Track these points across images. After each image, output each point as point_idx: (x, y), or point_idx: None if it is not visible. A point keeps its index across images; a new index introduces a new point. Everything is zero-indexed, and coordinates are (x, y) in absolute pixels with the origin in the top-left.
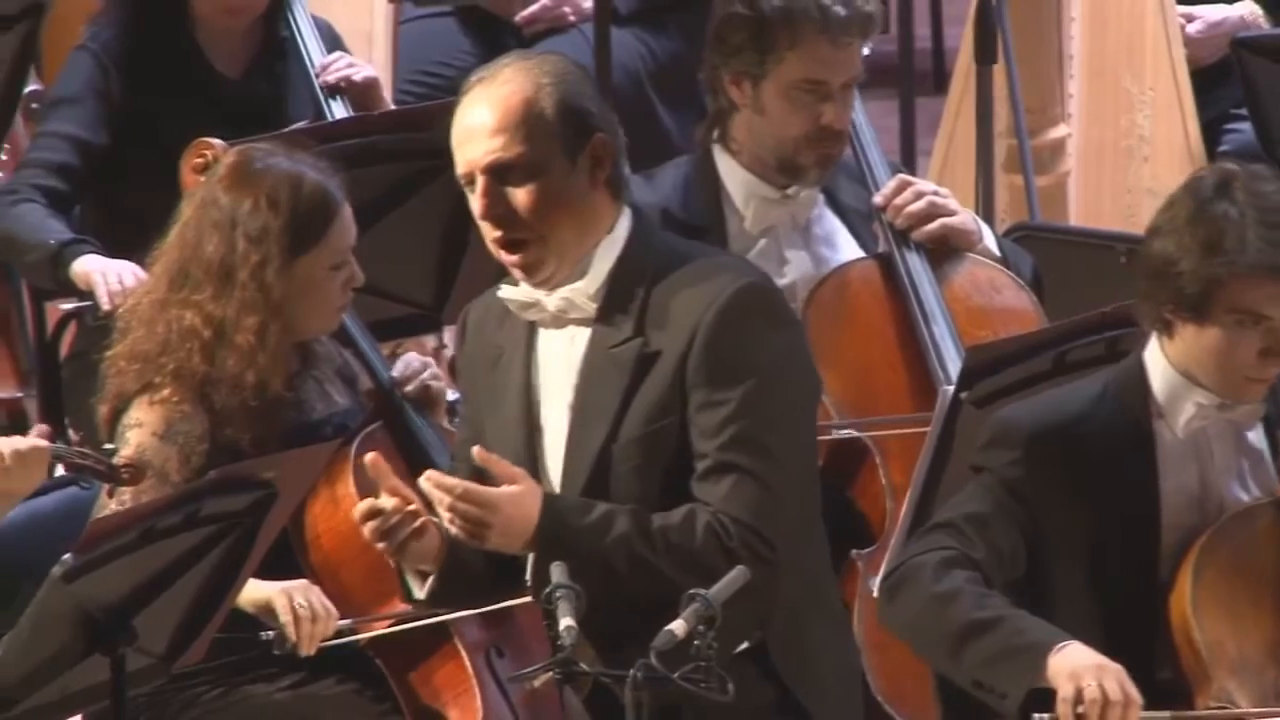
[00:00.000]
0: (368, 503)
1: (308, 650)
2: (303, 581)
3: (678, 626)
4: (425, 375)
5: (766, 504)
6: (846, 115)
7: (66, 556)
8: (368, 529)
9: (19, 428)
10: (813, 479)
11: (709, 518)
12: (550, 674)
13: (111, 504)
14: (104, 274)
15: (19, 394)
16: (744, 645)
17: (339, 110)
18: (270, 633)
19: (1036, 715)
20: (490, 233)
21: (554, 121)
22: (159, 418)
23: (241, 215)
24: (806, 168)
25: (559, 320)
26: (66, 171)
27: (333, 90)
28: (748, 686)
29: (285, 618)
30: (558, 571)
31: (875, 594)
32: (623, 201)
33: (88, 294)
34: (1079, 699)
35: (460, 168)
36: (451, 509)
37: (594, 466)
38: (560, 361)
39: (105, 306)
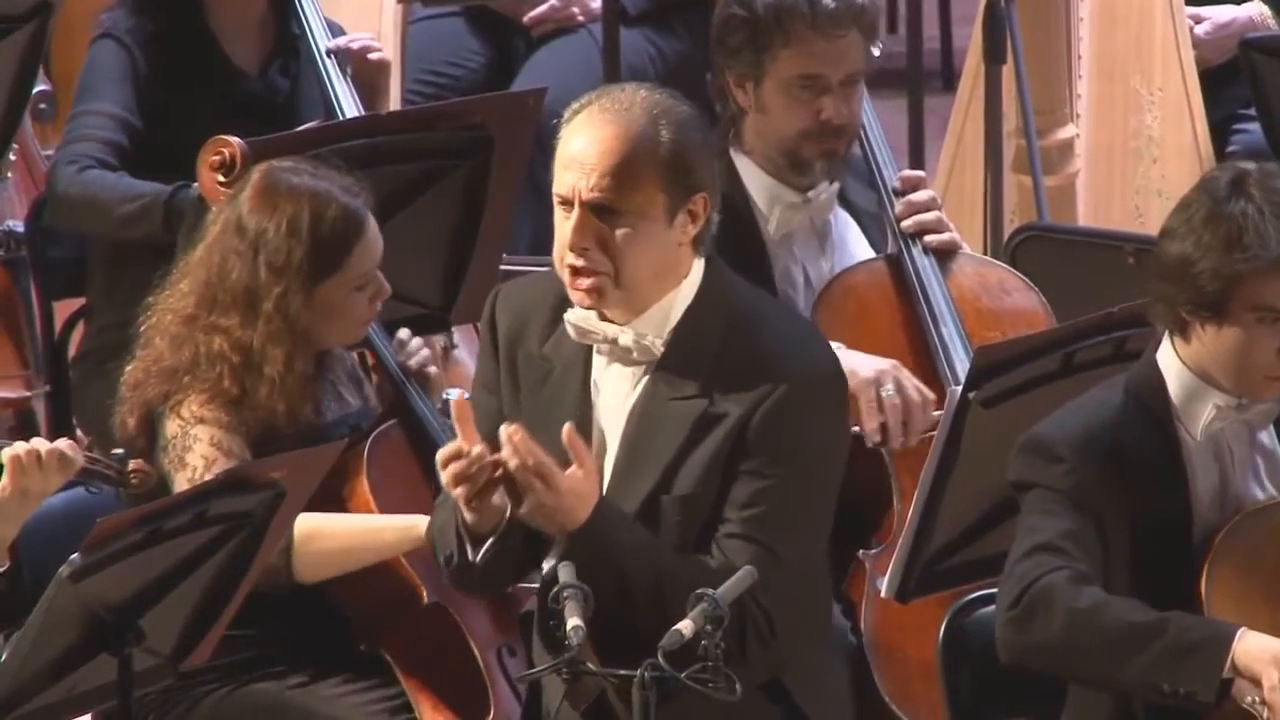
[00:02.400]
0: (453, 445)
1: None
2: None
3: (685, 626)
4: (421, 356)
5: (779, 585)
6: (849, 110)
7: (74, 556)
8: (449, 472)
9: (27, 427)
10: (827, 529)
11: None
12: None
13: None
14: None
15: (27, 394)
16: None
17: (349, 107)
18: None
19: (1250, 698)
20: (569, 259)
21: (666, 177)
22: (215, 412)
23: (264, 243)
24: (811, 161)
25: (619, 355)
26: (117, 148)
27: (343, 66)
28: (761, 713)
29: None
30: (565, 571)
31: (883, 592)
32: (702, 253)
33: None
34: None
35: (560, 188)
36: (520, 469)
37: (638, 513)
38: (616, 396)
39: None
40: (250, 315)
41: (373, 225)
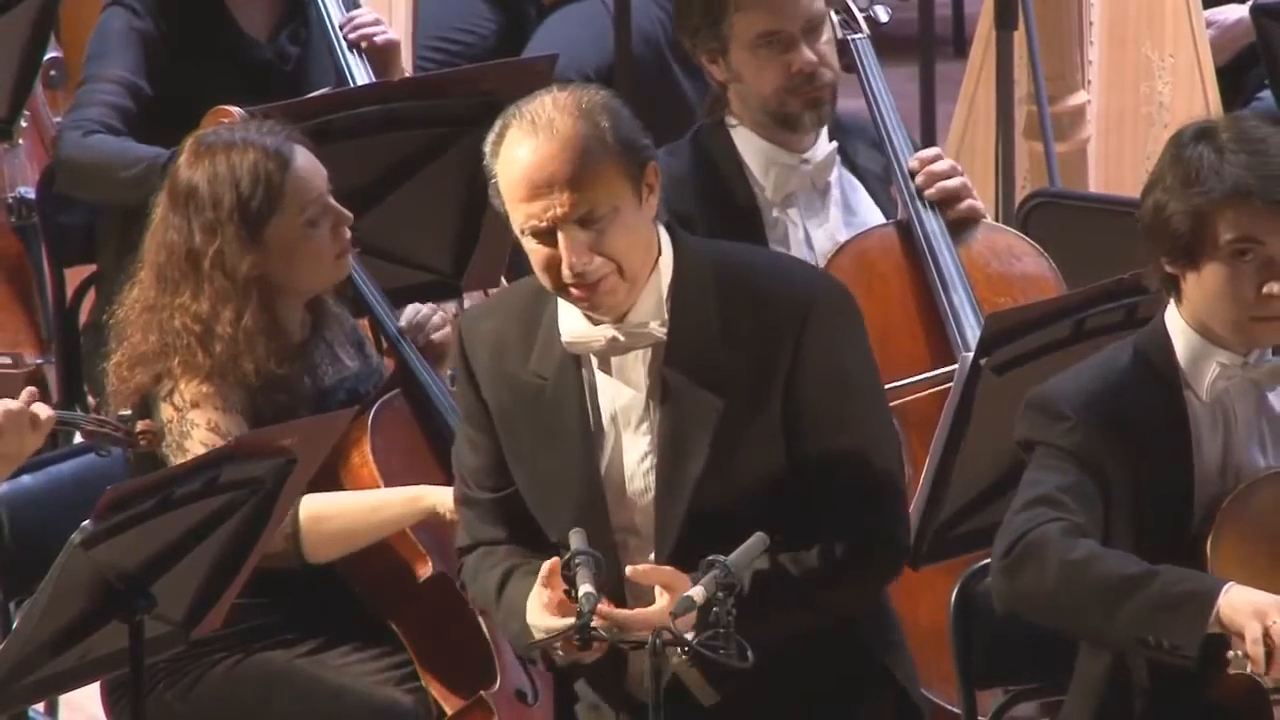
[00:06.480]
0: (549, 606)
1: None
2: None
3: (696, 593)
4: (434, 322)
5: (887, 505)
6: (820, 58)
7: (85, 523)
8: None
9: (39, 394)
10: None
11: (846, 546)
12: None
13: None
14: None
15: (38, 360)
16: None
17: (360, 75)
18: None
19: (1231, 652)
20: (570, 279)
21: (622, 163)
22: (208, 393)
23: (194, 204)
24: (798, 114)
25: (620, 350)
26: (122, 112)
27: (353, 46)
28: (840, 660)
29: None
30: (577, 538)
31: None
32: (661, 220)
33: None
34: (1268, 635)
35: (535, 220)
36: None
37: (694, 494)
38: (626, 394)
39: None
40: (197, 283)
41: (301, 155)
